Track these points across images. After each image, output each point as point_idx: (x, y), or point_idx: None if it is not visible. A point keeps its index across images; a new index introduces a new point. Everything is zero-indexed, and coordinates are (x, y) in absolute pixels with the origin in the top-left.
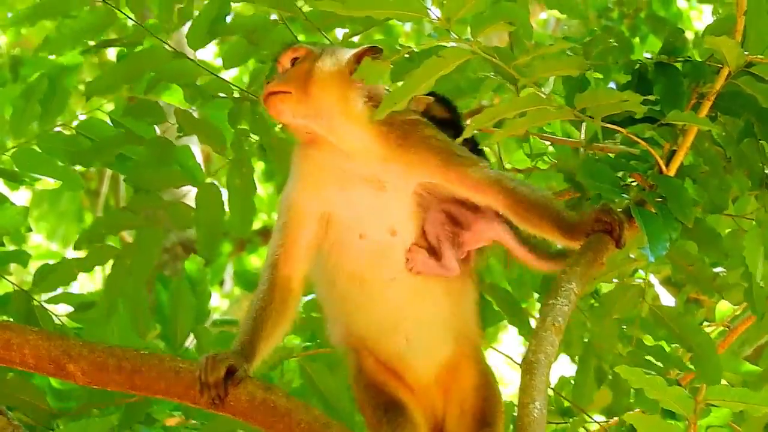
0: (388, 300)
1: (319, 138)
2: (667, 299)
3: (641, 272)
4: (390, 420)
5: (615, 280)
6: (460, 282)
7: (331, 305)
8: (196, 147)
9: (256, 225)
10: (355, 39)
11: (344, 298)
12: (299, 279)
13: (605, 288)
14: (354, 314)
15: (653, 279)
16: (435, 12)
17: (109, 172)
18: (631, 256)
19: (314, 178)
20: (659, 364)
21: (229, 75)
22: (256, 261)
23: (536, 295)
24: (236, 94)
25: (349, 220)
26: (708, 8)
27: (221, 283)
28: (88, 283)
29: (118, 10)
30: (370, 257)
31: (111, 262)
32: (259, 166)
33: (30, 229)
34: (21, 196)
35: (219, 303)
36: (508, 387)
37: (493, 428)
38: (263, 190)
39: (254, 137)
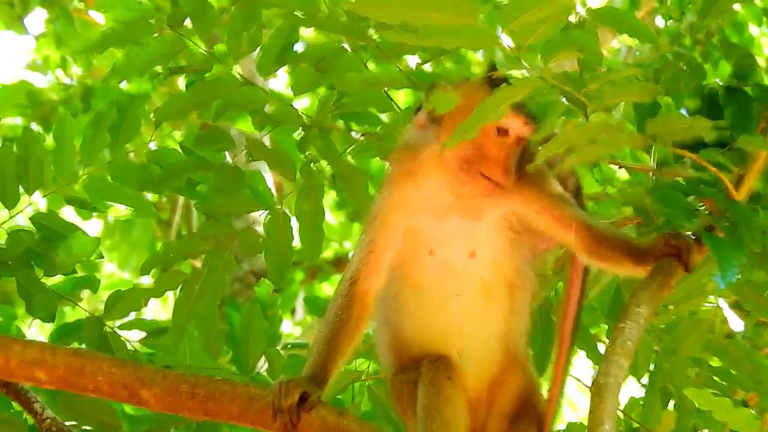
0: (447, 314)
1: (426, 170)
2: (736, 323)
3: (711, 297)
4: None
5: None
6: (519, 302)
7: (387, 317)
8: (268, 175)
9: (328, 254)
10: (427, 66)
11: (402, 310)
12: (374, 294)
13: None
14: (408, 324)
15: (722, 303)
16: (506, 40)
17: (181, 201)
18: (702, 283)
19: (412, 199)
20: (724, 383)
21: (301, 102)
22: (327, 289)
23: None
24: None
25: (428, 240)
26: None
27: (293, 311)
28: (162, 311)
29: (187, 37)
30: (438, 273)
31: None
32: (330, 195)
33: (101, 256)
34: (94, 226)
35: (291, 330)
36: (579, 411)
37: (528, 423)
38: (335, 219)
39: (324, 164)
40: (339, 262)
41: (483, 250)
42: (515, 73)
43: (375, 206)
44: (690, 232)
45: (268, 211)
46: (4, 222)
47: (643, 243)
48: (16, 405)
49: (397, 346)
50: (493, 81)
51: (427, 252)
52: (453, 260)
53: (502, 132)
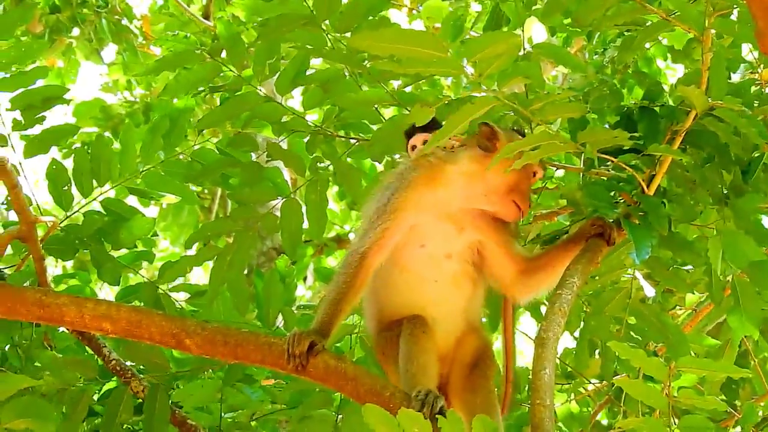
0: (426, 292)
1: (446, 181)
2: (649, 290)
3: (628, 270)
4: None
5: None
6: (477, 290)
7: (376, 288)
8: (286, 173)
9: (331, 234)
10: (408, 89)
11: (390, 284)
12: (376, 268)
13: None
14: (393, 296)
15: (638, 275)
16: (469, 69)
17: (219, 192)
18: (621, 259)
19: (426, 201)
20: (639, 338)
21: (310, 116)
22: (331, 261)
23: None
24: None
25: (423, 236)
26: (680, 67)
27: (304, 279)
28: (203, 277)
29: (223, 64)
30: (424, 261)
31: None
32: (333, 188)
33: (156, 234)
34: (151, 212)
35: (303, 293)
36: (526, 358)
37: (482, 369)
38: (336, 206)
39: (327, 163)
40: (340, 241)
41: (457, 254)
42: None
43: (393, 199)
44: (612, 220)
45: (284, 199)
46: (82, 207)
47: (572, 233)
48: (88, 350)
49: (382, 311)
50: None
51: (419, 244)
52: (436, 255)
53: (533, 173)
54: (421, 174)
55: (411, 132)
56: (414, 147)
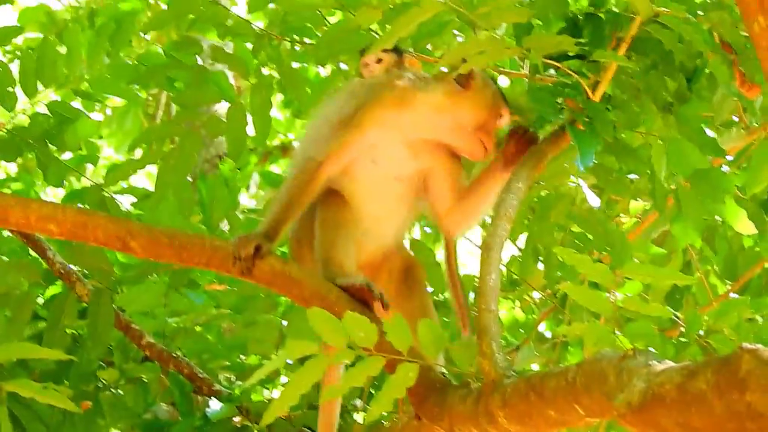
0: (368, 201)
1: (414, 107)
2: (593, 200)
3: (573, 178)
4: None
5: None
6: (410, 213)
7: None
8: (231, 80)
9: (275, 142)
10: None
11: (340, 189)
12: (329, 177)
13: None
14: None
15: (582, 183)
16: None
17: (163, 100)
18: (565, 165)
19: (391, 121)
20: (583, 245)
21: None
22: (276, 169)
23: None
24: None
25: (378, 154)
26: None
27: (248, 188)
28: (148, 184)
29: None
30: (373, 178)
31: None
32: (279, 98)
33: (101, 137)
34: (95, 119)
35: (246, 203)
36: (472, 266)
37: (414, 275)
38: (281, 115)
39: (272, 68)
40: (284, 149)
41: (406, 177)
42: None
43: (360, 112)
44: (558, 126)
45: (229, 104)
46: (28, 109)
47: (495, 158)
48: (33, 253)
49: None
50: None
51: (371, 160)
52: (386, 175)
53: (500, 117)
54: (393, 93)
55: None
56: (366, 65)
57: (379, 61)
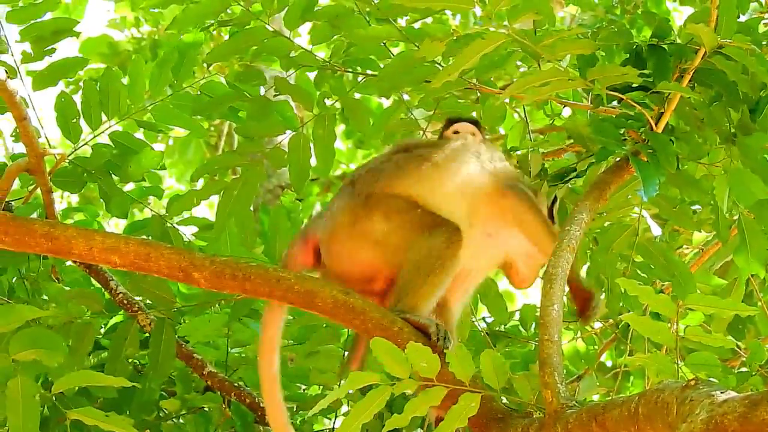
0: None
1: None
2: (656, 230)
3: (636, 209)
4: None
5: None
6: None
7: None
8: (295, 110)
9: (338, 172)
10: (416, 25)
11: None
12: None
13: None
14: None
15: (645, 214)
16: (478, 10)
17: (225, 130)
18: (628, 197)
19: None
20: (645, 275)
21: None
22: None
23: None
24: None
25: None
26: (688, 9)
27: (311, 217)
28: (210, 214)
29: None
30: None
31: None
32: (341, 128)
33: (164, 168)
34: (158, 149)
35: None
36: (534, 297)
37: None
38: (344, 145)
39: (335, 99)
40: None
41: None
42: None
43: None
44: (620, 158)
45: (292, 134)
46: (90, 140)
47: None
48: (95, 283)
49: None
50: None
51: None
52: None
53: None
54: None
55: (454, 120)
56: (456, 132)
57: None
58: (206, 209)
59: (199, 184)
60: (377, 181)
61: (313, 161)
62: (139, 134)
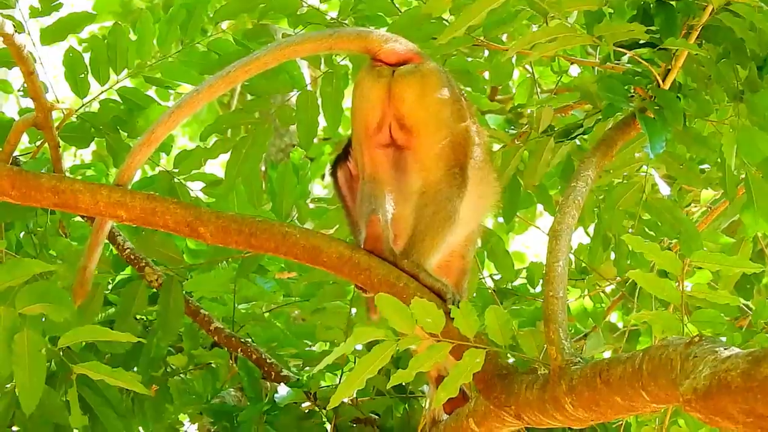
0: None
1: None
2: (665, 189)
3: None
4: None
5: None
6: None
7: None
8: (305, 70)
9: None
10: None
11: None
12: None
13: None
14: None
15: (654, 172)
16: None
17: (238, 89)
18: (637, 154)
19: None
20: (652, 233)
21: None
22: None
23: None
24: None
25: None
26: None
27: (322, 177)
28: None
29: None
30: None
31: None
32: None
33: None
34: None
35: (320, 192)
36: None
37: None
38: None
39: (343, 57)
40: None
41: None
42: None
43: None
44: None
45: (300, 91)
46: (98, 95)
47: None
48: None
49: None
50: None
51: None
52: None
53: None
54: None
55: None
56: None
57: None
58: (218, 167)
59: (211, 142)
60: None
61: (322, 120)
62: (151, 92)
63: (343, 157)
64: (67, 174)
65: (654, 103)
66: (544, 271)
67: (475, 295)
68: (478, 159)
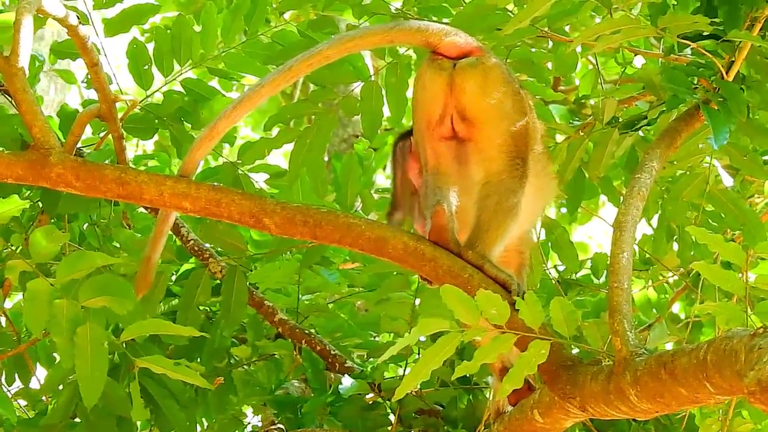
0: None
1: None
2: (728, 180)
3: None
4: None
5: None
6: None
7: None
8: (368, 59)
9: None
10: None
11: None
12: None
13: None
14: None
15: (717, 164)
16: None
17: (301, 79)
18: (700, 146)
19: None
20: (716, 224)
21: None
22: None
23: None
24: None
25: None
26: None
27: (385, 167)
28: (283, 162)
29: None
30: None
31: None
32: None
33: None
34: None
35: (384, 182)
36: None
37: None
38: None
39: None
40: None
41: None
42: None
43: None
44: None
45: (364, 82)
46: (162, 86)
47: None
48: None
49: None
50: None
51: None
52: None
53: None
54: None
55: None
56: None
57: None
58: (281, 158)
59: (274, 133)
60: None
61: (386, 110)
62: (214, 82)
63: (407, 134)
64: (131, 165)
65: (718, 94)
66: (608, 262)
67: (539, 285)
68: (537, 152)
